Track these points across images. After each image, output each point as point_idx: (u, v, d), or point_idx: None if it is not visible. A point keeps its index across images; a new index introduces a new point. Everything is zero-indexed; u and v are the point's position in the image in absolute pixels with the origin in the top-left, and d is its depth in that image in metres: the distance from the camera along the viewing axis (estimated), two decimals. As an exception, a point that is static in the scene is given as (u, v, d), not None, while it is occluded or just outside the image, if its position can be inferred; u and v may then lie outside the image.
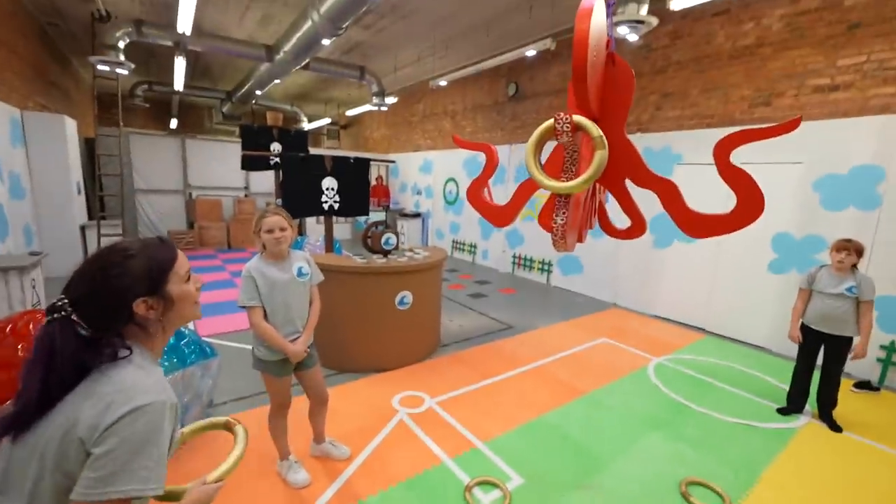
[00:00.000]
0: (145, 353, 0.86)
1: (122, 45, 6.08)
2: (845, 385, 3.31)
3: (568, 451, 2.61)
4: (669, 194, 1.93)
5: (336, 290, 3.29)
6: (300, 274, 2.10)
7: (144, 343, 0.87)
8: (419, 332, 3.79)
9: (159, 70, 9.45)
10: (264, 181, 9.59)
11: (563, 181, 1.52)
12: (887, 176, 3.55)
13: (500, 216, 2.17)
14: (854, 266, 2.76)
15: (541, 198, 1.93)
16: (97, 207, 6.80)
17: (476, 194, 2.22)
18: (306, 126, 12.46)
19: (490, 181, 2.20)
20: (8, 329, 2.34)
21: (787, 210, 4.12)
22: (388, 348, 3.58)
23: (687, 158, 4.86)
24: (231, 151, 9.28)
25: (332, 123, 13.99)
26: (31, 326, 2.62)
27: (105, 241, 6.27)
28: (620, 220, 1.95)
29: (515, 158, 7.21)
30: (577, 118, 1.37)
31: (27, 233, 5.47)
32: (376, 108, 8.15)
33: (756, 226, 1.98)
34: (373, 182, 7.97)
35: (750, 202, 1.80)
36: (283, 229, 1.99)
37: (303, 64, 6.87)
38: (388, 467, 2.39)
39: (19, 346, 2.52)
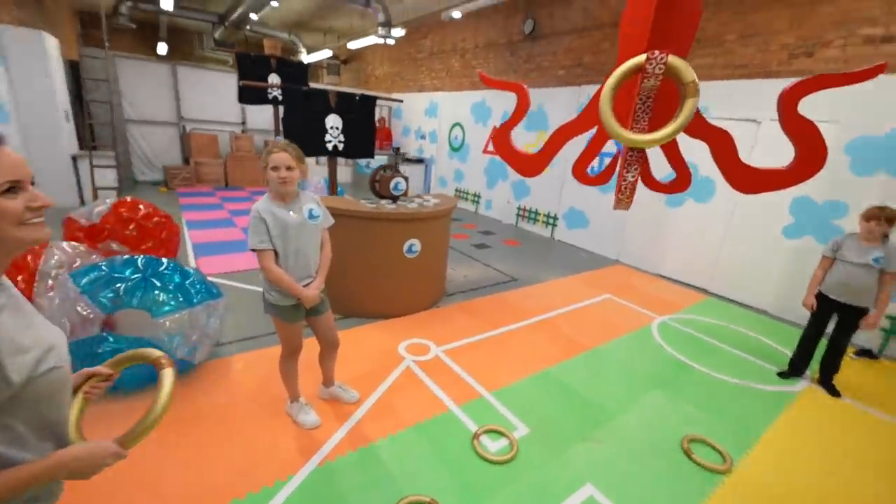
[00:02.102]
0: None
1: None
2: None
3: (573, 404, 2.65)
4: (723, 145, 1.75)
5: (344, 235, 3.18)
6: (311, 216, 1.98)
7: None
8: (426, 280, 3.74)
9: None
10: (262, 117, 9.11)
11: (637, 132, 1.35)
12: (928, 141, 3.36)
13: (529, 165, 2.02)
14: (885, 236, 2.66)
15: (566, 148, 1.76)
16: (88, 137, 6.44)
17: (503, 140, 2.04)
18: (305, 58, 11.65)
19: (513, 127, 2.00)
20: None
21: (813, 173, 3.93)
22: (395, 295, 3.54)
23: (714, 112, 4.56)
24: (226, 82, 8.74)
25: (332, 57, 13.10)
26: (28, 258, 2.52)
27: (98, 173, 6.04)
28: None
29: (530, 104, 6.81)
30: (673, 59, 1.18)
31: (14, 160, 5.22)
32: (382, 40, 7.54)
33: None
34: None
35: (812, 156, 1.61)
36: (289, 168, 1.82)
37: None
38: (396, 412, 2.41)
39: (19, 278, 2.44)
